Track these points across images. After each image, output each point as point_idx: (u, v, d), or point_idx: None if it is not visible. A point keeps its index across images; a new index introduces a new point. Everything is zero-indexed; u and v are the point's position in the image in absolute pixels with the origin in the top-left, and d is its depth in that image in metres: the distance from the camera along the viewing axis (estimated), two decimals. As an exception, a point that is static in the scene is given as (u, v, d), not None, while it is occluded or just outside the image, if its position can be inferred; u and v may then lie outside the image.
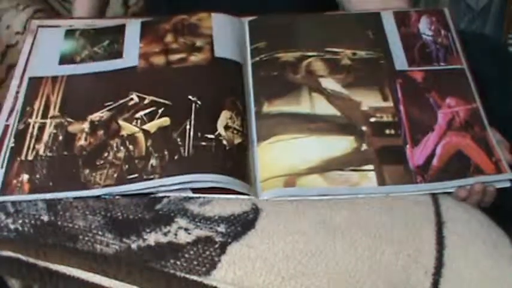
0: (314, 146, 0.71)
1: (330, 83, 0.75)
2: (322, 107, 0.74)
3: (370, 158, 0.70)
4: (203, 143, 0.68)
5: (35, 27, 0.81)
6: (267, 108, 0.74)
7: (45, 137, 0.70)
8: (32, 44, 0.79)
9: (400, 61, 0.77)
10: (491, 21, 1.59)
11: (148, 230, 0.64)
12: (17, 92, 0.74)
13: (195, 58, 0.76)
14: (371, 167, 0.69)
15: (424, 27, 0.81)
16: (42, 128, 0.71)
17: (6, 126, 0.72)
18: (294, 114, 0.73)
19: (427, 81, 0.76)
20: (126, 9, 1.02)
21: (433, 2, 1.62)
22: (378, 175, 0.69)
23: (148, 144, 0.69)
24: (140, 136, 0.70)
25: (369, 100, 0.73)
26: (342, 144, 0.71)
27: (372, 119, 0.73)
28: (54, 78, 0.75)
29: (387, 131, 0.71)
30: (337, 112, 0.73)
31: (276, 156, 0.71)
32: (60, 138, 0.70)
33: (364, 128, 0.72)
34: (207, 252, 0.63)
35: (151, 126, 0.70)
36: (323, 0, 0.94)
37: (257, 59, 0.78)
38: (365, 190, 0.68)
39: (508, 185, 0.70)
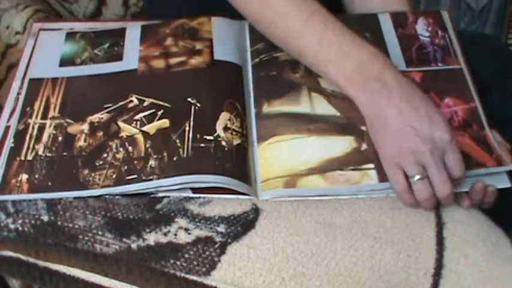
0: (314, 146, 0.71)
1: (329, 83, 0.75)
2: (322, 107, 0.74)
3: (370, 157, 0.70)
4: (202, 145, 0.68)
5: (37, 30, 0.81)
6: (266, 108, 0.74)
7: (45, 137, 0.70)
8: (34, 46, 0.80)
9: (397, 62, 0.77)
10: (491, 21, 1.59)
11: (148, 230, 0.64)
12: (18, 94, 0.75)
13: (194, 61, 0.77)
14: (371, 165, 0.69)
15: (421, 28, 0.81)
16: (41, 128, 0.71)
17: (7, 127, 0.72)
18: (293, 114, 0.73)
19: (425, 81, 0.76)
20: (126, 9, 1.01)
21: (433, 2, 1.62)
22: (379, 173, 0.69)
23: (148, 145, 0.69)
24: (139, 137, 0.70)
25: None
26: (341, 145, 0.71)
27: None
28: (55, 80, 0.76)
29: None
30: (336, 112, 0.73)
31: (276, 156, 0.71)
32: (60, 139, 0.70)
33: (363, 128, 0.72)
34: (207, 253, 0.63)
35: (151, 127, 0.71)
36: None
37: (257, 60, 0.78)
38: (366, 188, 0.68)
39: (508, 185, 0.70)
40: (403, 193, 0.67)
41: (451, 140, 0.64)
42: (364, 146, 0.71)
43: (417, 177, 0.65)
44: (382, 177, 0.68)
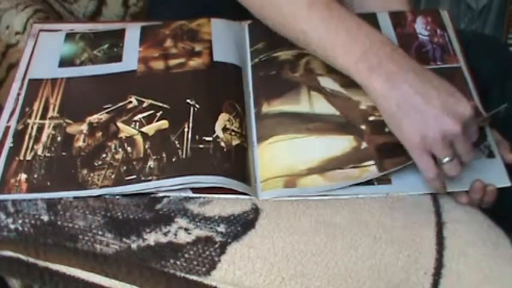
0: (314, 146, 0.71)
1: (328, 82, 0.75)
2: (321, 106, 0.74)
3: (371, 154, 0.70)
4: (201, 146, 0.68)
5: (37, 31, 0.81)
6: (266, 108, 0.74)
7: (44, 137, 0.70)
8: (33, 47, 0.80)
9: None
10: (491, 21, 1.59)
11: (148, 230, 0.64)
12: (18, 94, 0.75)
13: (194, 63, 0.77)
14: (371, 162, 0.69)
15: (420, 27, 0.81)
16: (41, 128, 0.71)
17: (7, 128, 0.72)
18: (293, 114, 0.73)
19: None
20: (126, 10, 1.01)
21: (433, 2, 1.62)
22: (379, 166, 0.69)
23: (147, 146, 0.69)
24: (138, 138, 0.70)
25: (367, 99, 0.73)
26: (341, 144, 0.71)
27: (371, 118, 0.72)
28: (54, 81, 0.76)
29: (386, 129, 0.70)
30: (336, 111, 0.73)
31: (276, 156, 0.71)
32: (59, 139, 0.70)
33: (363, 127, 0.72)
34: (207, 252, 0.63)
35: (150, 128, 0.71)
36: None
37: (256, 60, 0.78)
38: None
39: (508, 184, 0.70)
40: (434, 180, 0.66)
41: (474, 112, 0.63)
42: (364, 145, 0.71)
43: (447, 159, 0.64)
44: (382, 169, 0.69)
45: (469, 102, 0.64)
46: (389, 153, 0.70)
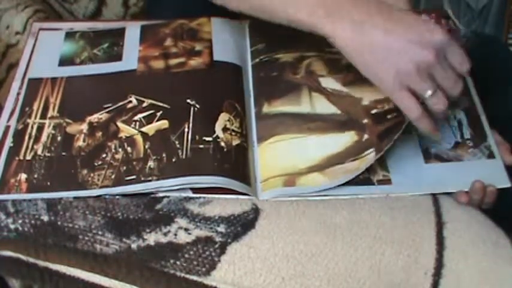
0: (314, 145, 0.71)
1: (330, 82, 0.75)
2: (322, 106, 0.74)
3: (371, 142, 0.69)
4: (201, 146, 0.68)
5: (37, 30, 0.81)
6: (266, 108, 0.74)
7: (44, 137, 0.70)
8: (33, 46, 0.80)
9: None
10: (491, 21, 1.59)
11: (148, 230, 0.64)
12: (18, 94, 0.75)
13: (194, 62, 0.76)
14: (372, 149, 0.69)
15: None
16: (41, 128, 0.71)
17: (7, 127, 0.72)
18: (294, 114, 0.73)
19: None
20: (126, 10, 1.01)
21: (433, 2, 1.62)
22: (377, 149, 0.68)
23: (147, 146, 0.69)
24: (138, 138, 0.70)
25: (369, 95, 0.73)
26: (342, 140, 0.71)
27: (373, 111, 0.72)
28: (54, 80, 0.75)
29: (389, 116, 0.70)
30: (337, 110, 0.73)
31: (276, 156, 0.71)
32: (59, 138, 0.70)
33: (365, 121, 0.72)
34: (207, 253, 0.63)
35: (150, 128, 0.71)
36: None
37: (257, 60, 0.78)
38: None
39: (508, 185, 0.70)
40: (420, 118, 0.62)
41: (449, 37, 0.60)
42: (365, 137, 0.70)
43: (429, 92, 0.61)
44: (380, 151, 0.68)
45: (442, 29, 0.60)
46: (389, 133, 0.69)
